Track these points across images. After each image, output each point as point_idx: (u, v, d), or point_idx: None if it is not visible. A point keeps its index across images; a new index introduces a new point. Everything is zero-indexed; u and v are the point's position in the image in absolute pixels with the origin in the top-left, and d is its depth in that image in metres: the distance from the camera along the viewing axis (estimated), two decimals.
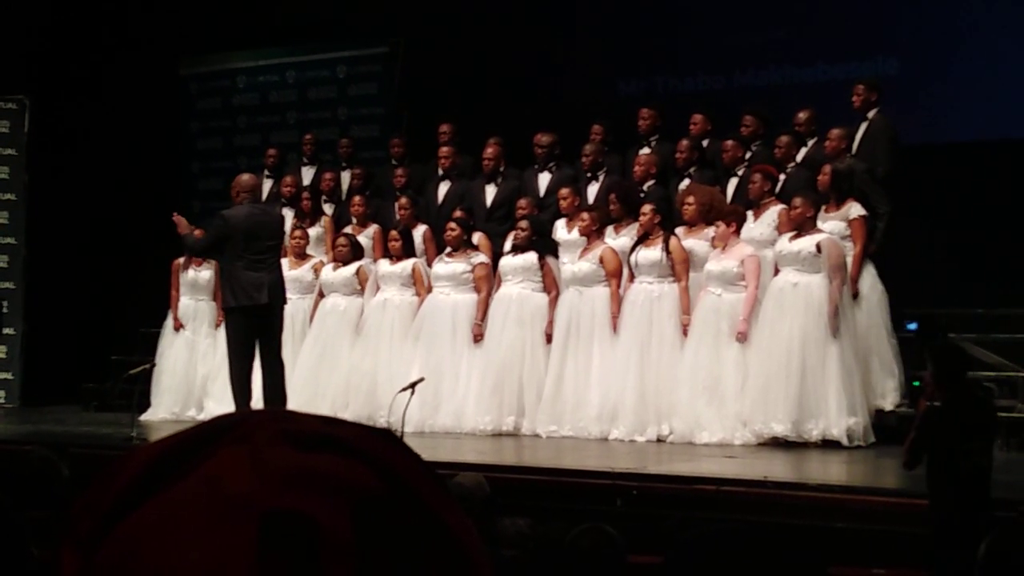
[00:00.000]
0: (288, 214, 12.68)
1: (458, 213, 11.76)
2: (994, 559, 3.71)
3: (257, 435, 0.87)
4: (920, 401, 6.55)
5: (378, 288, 11.69)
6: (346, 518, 0.83)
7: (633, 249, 10.61)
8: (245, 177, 10.75)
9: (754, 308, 10.02)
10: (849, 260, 10.06)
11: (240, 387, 10.21)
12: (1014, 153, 12.05)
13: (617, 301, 10.58)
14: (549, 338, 10.82)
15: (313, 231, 12.53)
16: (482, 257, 11.37)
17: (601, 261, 10.67)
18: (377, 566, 0.84)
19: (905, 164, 10.89)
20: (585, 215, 10.86)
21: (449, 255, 11.40)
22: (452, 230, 11.36)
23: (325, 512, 0.83)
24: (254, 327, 10.16)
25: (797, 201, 10.03)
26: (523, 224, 11.13)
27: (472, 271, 11.26)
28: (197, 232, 10.93)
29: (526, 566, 4.67)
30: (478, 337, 11.10)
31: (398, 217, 12.16)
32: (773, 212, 10.57)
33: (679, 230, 10.70)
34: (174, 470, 0.86)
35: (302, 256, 12.18)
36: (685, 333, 10.27)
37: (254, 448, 0.86)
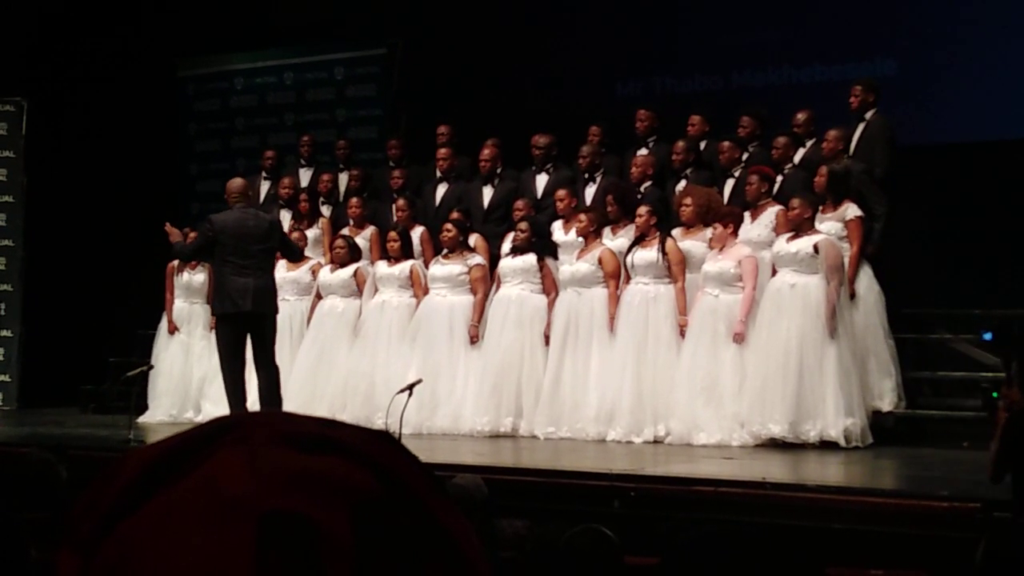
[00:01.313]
0: (286, 216, 12.68)
1: (455, 215, 11.75)
2: (992, 559, 3.71)
3: (256, 437, 0.87)
4: (999, 411, 6.41)
5: (376, 290, 11.69)
6: (345, 520, 0.84)
7: (629, 250, 10.62)
8: (236, 181, 10.78)
9: (751, 309, 10.02)
10: (846, 261, 10.06)
11: (233, 392, 10.22)
12: (1012, 154, 12.06)
13: (615, 302, 10.58)
14: (548, 339, 10.81)
15: (311, 233, 12.52)
16: (478, 258, 11.37)
17: (600, 262, 10.67)
18: (376, 568, 0.84)
19: (903, 165, 10.89)
20: (583, 216, 10.86)
21: (445, 257, 11.40)
22: (448, 231, 11.36)
23: (324, 514, 0.83)
24: (242, 333, 10.17)
25: (795, 202, 10.03)
26: (522, 226, 11.13)
27: (468, 272, 11.26)
28: (192, 235, 10.97)
29: (522, 567, 4.67)
30: (474, 339, 11.10)
31: (395, 218, 12.15)
32: (770, 213, 10.57)
33: (676, 231, 10.70)
34: (173, 471, 0.87)
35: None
36: (682, 334, 10.27)
37: (253, 450, 0.86)
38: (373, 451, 0.89)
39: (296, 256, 11.21)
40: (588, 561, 4.32)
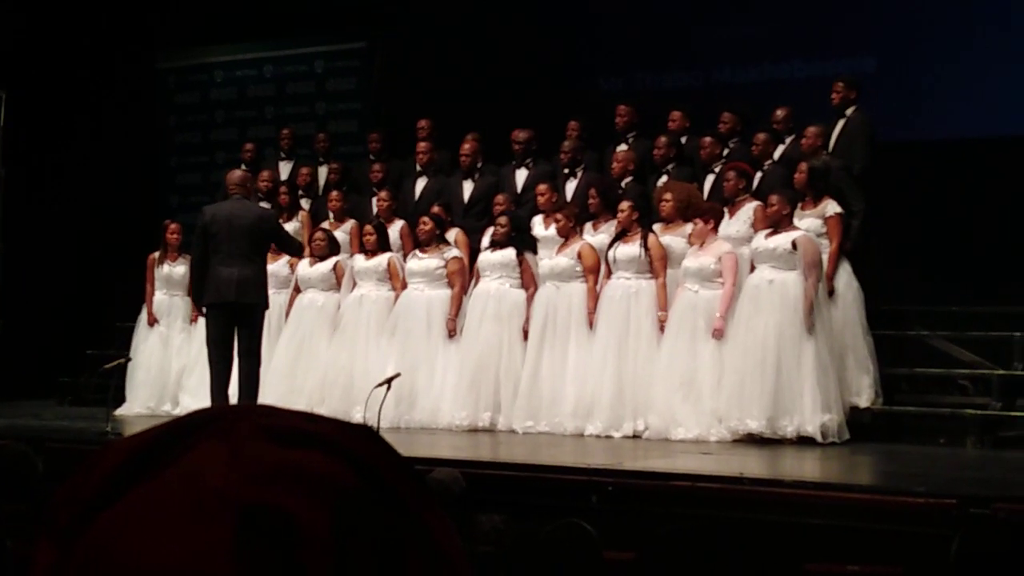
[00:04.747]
0: None
1: (434, 209, 11.75)
2: (967, 556, 3.72)
3: (237, 430, 0.87)
4: None
5: (354, 283, 11.68)
6: (324, 514, 0.84)
7: (611, 245, 10.63)
8: (236, 173, 10.78)
9: (731, 305, 10.03)
10: (825, 257, 10.09)
11: (215, 382, 10.19)
12: (990, 151, 12.10)
13: (594, 297, 10.59)
14: (527, 334, 10.82)
15: (290, 226, 12.47)
16: (455, 251, 11.38)
17: (579, 257, 10.68)
18: (355, 562, 0.84)
19: (881, 162, 10.93)
20: (559, 215, 10.86)
21: (423, 251, 11.40)
22: (424, 225, 11.36)
23: (303, 508, 0.83)
24: (229, 324, 10.14)
25: (773, 198, 10.05)
26: (502, 220, 11.13)
27: (445, 266, 11.26)
28: (173, 226, 10.93)
29: (501, 562, 4.67)
30: (452, 332, 11.10)
31: (377, 209, 12.15)
32: (748, 209, 10.59)
33: (656, 227, 10.72)
34: (153, 463, 0.86)
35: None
36: (662, 329, 10.29)
37: (233, 443, 0.86)
38: (354, 446, 0.89)
39: (294, 250, 11.08)
40: (567, 555, 4.32)
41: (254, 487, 0.84)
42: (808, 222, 10.21)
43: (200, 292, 10.36)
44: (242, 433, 0.87)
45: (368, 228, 11.70)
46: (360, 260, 11.68)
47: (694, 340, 10.08)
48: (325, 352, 11.54)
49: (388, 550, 0.86)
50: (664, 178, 11.36)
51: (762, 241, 10.04)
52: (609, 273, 10.62)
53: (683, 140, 11.84)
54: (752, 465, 8.50)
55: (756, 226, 10.39)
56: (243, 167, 13.53)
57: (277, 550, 0.82)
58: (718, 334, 9.98)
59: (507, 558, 4.69)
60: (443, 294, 11.25)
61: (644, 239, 10.43)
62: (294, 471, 0.85)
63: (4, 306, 14.47)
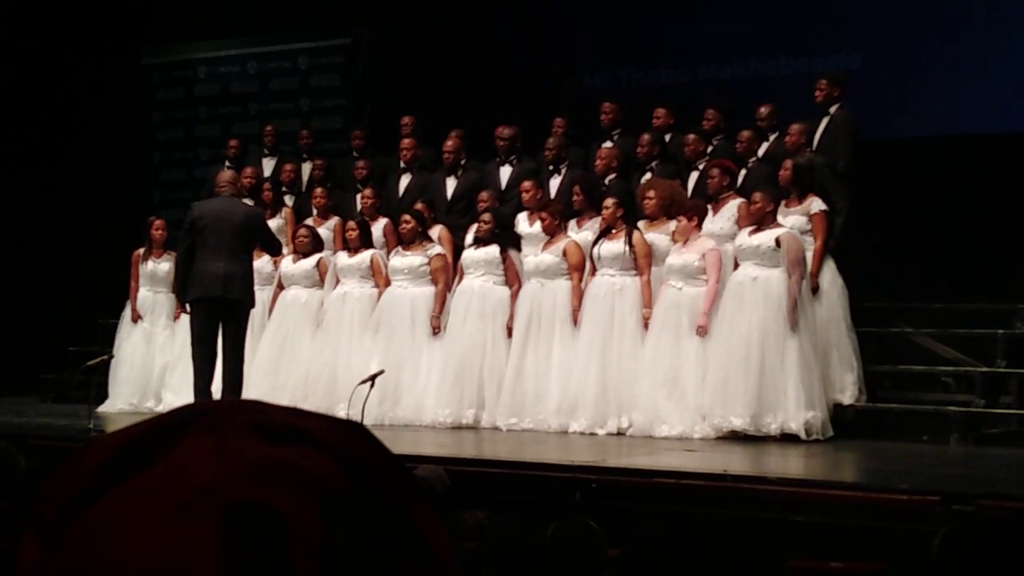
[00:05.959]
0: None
1: (418, 206, 11.74)
2: (949, 552, 3.73)
3: (225, 425, 0.87)
4: None
5: (337, 280, 11.67)
6: (312, 511, 0.83)
7: (596, 242, 10.63)
8: (226, 173, 10.88)
9: (715, 302, 10.04)
10: (809, 255, 10.10)
11: (198, 377, 10.18)
12: (974, 148, 12.13)
13: (578, 295, 10.59)
14: (510, 331, 10.82)
15: (274, 222, 12.44)
16: (438, 248, 11.37)
17: (564, 254, 10.68)
18: (342, 559, 0.83)
19: (865, 159, 10.94)
20: (544, 214, 10.85)
21: (406, 248, 11.38)
22: (406, 223, 11.35)
23: (291, 505, 0.83)
24: (213, 320, 10.13)
25: (756, 196, 10.06)
26: (486, 217, 11.12)
27: (429, 263, 11.26)
28: (158, 222, 10.91)
29: (503, 558, 4.67)
30: (436, 329, 11.10)
31: (361, 206, 12.13)
32: (732, 206, 10.60)
33: (640, 224, 10.72)
34: (140, 459, 0.86)
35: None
36: (646, 327, 10.29)
37: (221, 438, 0.86)
38: (343, 443, 0.88)
39: (274, 250, 11.11)
40: (573, 553, 4.31)
41: (241, 484, 0.83)
42: (793, 219, 10.22)
43: (185, 288, 10.36)
44: (229, 429, 0.87)
45: (351, 225, 11.69)
46: (343, 257, 11.67)
47: (678, 337, 10.09)
48: (308, 349, 11.53)
49: (377, 547, 0.86)
50: (648, 175, 11.37)
51: (746, 238, 10.05)
52: (594, 270, 10.62)
53: (667, 137, 11.84)
54: (736, 462, 8.51)
55: (740, 223, 10.40)
56: (227, 164, 13.54)
57: (264, 548, 0.82)
58: (702, 331, 9.98)
59: (508, 555, 4.68)
60: (427, 291, 11.25)
61: (629, 236, 10.44)
62: (282, 468, 0.84)
63: None
